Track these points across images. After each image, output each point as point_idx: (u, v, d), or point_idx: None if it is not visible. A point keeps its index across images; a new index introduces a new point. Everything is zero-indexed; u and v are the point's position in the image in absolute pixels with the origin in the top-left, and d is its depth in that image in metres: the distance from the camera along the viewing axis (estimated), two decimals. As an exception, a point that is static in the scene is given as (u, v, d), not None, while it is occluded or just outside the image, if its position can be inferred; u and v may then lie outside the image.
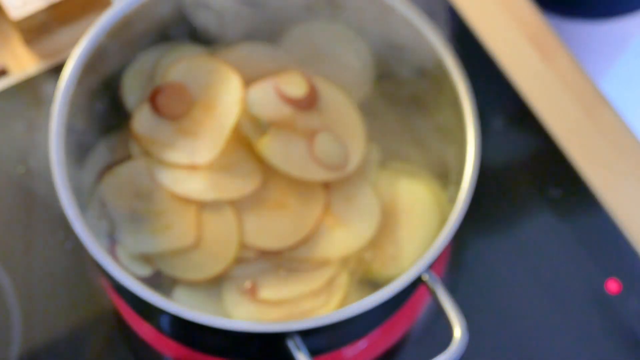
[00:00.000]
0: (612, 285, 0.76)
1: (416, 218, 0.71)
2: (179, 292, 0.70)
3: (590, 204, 0.79)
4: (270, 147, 0.71)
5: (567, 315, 0.76)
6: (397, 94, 0.74)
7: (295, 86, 0.73)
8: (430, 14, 0.72)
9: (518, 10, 0.85)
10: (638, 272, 0.77)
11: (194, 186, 0.70)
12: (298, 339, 0.64)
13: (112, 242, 0.70)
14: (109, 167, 0.72)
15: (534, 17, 0.85)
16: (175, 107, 0.73)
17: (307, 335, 0.64)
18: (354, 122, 0.73)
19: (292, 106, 0.72)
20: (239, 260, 0.70)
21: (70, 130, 0.69)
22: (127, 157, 0.73)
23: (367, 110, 0.75)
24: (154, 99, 0.73)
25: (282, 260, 0.70)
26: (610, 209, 0.79)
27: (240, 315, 0.68)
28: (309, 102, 0.72)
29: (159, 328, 0.71)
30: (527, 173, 0.80)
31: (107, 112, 0.74)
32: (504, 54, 0.84)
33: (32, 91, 0.83)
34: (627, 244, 0.77)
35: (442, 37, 0.71)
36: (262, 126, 0.72)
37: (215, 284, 0.70)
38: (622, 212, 0.79)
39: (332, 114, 0.73)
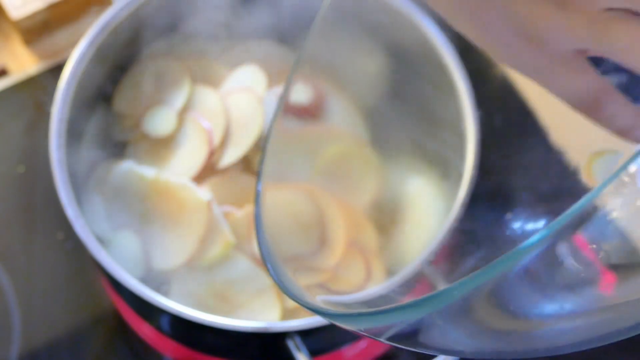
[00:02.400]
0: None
1: (421, 212, 0.71)
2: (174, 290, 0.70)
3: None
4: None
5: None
6: (400, 92, 0.74)
7: (298, 91, 0.73)
8: (431, 14, 0.72)
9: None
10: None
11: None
12: (298, 339, 0.64)
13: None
14: (107, 165, 0.72)
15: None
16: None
17: (307, 335, 0.64)
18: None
19: (293, 114, 0.72)
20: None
21: (70, 130, 0.69)
22: (125, 156, 0.73)
23: (371, 109, 0.75)
24: None
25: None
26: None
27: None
28: (314, 111, 0.72)
29: (159, 328, 0.71)
30: (524, 170, 0.80)
31: (107, 111, 0.75)
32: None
33: (32, 91, 0.83)
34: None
35: (443, 37, 0.71)
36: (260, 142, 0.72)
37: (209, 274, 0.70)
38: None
39: (338, 125, 0.73)
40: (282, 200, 0.70)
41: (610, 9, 0.46)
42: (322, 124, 0.73)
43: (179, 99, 0.73)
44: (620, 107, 0.50)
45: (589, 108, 0.49)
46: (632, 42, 0.46)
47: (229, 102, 0.73)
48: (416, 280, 0.67)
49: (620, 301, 0.48)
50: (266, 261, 0.55)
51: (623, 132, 0.51)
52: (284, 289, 0.54)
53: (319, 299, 0.57)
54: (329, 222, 0.69)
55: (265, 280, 0.68)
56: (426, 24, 0.71)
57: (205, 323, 0.63)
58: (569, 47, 0.47)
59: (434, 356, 0.61)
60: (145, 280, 0.68)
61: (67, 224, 0.65)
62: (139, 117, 0.73)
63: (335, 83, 0.74)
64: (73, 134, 0.70)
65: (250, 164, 0.73)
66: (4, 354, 0.74)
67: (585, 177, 0.68)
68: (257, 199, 0.58)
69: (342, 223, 0.69)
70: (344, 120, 0.73)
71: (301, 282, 0.67)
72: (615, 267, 0.47)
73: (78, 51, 0.70)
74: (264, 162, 0.60)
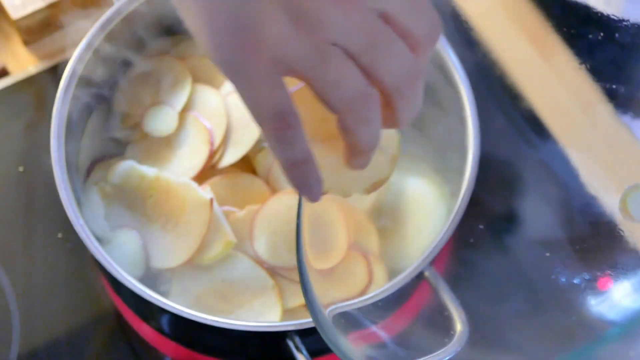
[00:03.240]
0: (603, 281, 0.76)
1: (422, 214, 0.71)
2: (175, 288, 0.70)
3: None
4: (263, 163, 0.71)
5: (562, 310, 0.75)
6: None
7: None
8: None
9: (517, 9, 0.85)
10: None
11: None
12: (298, 339, 0.64)
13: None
14: (107, 165, 0.72)
15: (534, 16, 0.85)
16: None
17: (307, 335, 0.64)
18: None
19: None
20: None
21: (70, 130, 0.69)
22: (126, 156, 0.73)
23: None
24: None
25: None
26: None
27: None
28: None
29: (158, 329, 0.71)
30: (525, 170, 0.80)
31: (107, 110, 0.74)
32: (503, 53, 0.84)
33: (32, 91, 0.83)
34: (625, 243, 0.77)
35: (445, 40, 0.71)
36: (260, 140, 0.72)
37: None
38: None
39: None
40: (280, 203, 0.70)
41: (336, 44, 0.48)
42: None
43: (180, 99, 0.73)
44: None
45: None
46: (336, 80, 0.49)
47: (229, 101, 0.73)
48: (417, 282, 0.67)
49: None
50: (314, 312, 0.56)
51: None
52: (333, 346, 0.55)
53: (330, 310, 0.57)
54: (329, 225, 0.69)
55: (266, 280, 0.68)
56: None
57: (205, 323, 0.63)
58: (286, 63, 0.49)
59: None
60: (145, 280, 0.68)
61: (67, 223, 0.65)
62: (139, 116, 0.73)
63: None
64: (73, 134, 0.70)
65: (250, 164, 0.72)
66: (4, 354, 0.74)
67: (620, 211, 0.69)
68: (299, 209, 0.57)
69: (344, 225, 0.69)
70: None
71: (290, 304, 0.68)
72: None
73: (78, 51, 0.70)
74: None
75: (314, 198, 0.53)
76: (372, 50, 0.49)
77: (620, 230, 0.75)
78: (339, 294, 0.68)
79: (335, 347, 0.55)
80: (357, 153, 0.52)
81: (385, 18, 0.50)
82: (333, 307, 0.59)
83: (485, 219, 0.78)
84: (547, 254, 0.74)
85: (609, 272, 0.74)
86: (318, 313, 0.56)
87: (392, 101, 0.51)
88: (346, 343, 0.57)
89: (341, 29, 0.48)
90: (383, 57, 0.49)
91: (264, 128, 0.51)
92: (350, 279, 0.69)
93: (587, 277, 0.74)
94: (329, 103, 0.50)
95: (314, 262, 0.69)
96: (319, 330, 0.55)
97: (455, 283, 0.72)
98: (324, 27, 0.48)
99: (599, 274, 0.73)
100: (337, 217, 0.69)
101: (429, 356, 0.61)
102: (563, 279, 0.72)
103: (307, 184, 0.52)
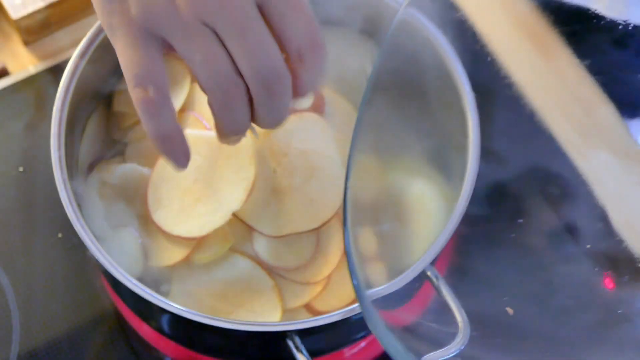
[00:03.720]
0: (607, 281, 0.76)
1: (423, 214, 0.71)
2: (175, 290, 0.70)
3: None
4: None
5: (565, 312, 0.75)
6: (401, 93, 0.74)
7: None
8: (429, 13, 0.72)
9: (518, 10, 0.85)
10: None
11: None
12: (298, 339, 0.64)
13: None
14: (107, 165, 0.72)
15: (534, 16, 0.85)
16: None
17: (307, 335, 0.64)
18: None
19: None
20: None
21: (70, 130, 0.69)
22: (125, 156, 0.73)
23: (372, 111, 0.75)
24: None
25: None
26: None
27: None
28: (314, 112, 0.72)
29: (158, 329, 0.71)
30: (528, 171, 0.80)
31: (107, 111, 0.75)
32: (503, 53, 0.84)
33: (32, 91, 0.83)
34: (620, 242, 0.77)
35: (446, 41, 0.71)
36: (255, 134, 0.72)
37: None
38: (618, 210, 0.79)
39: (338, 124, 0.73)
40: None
41: (207, 25, 0.50)
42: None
43: (178, 98, 0.73)
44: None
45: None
46: (203, 60, 0.51)
47: None
48: (419, 282, 0.67)
49: None
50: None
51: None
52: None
53: (369, 293, 0.59)
54: (325, 229, 0.70)
55: (266, 281, 0.68)
56: (429, 28, 0.71)
57: (205, 323, 0.63)
58: (157, 33, 0.51)
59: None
60: (145, 280, 0.68)
61: (67, 223, 0.65)
62: (139, 116, 0.73)
63: (334, 85, 0.74)
64: (73, 134, 0.70)
65: None
66: (4, 354, 0.74)
67: None
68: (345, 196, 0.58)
69: (339, 228, 0.69)
70: (344, 123, 0.73)
71: (290, 304, 0.68)
72: None
73: (78, 51, 0.70)
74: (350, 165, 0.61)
75: (180, 166, 0.56)
76: (240, 38, 0.50)
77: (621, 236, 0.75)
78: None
79: (382, 333, 0.57)
80: (220, 134, 0.56)
81: (262, 12, 0.51)
82: (373, 291, 0.60)
83: (522, 215, 0.78)
84: (588, 246, 0.74)
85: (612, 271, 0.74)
86: (364, 299, 0.58)
87: (253, 95, 0.52)
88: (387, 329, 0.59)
89: (214, 10, 0.50)
90: (249, 48, 0.50)
91: (132, 97, 0.53)
92: (345, 281, 0.69)
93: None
94: (198, 81, 0.52)
95: (305, 274, 0.69)
96: (365, 317, 0.58)
97: (490, 281, 0.72)
98: (198, 6, 0.50)
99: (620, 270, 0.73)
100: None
101: (427, 355, 0.61)
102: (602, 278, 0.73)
103: (173, 157, 0.55)
